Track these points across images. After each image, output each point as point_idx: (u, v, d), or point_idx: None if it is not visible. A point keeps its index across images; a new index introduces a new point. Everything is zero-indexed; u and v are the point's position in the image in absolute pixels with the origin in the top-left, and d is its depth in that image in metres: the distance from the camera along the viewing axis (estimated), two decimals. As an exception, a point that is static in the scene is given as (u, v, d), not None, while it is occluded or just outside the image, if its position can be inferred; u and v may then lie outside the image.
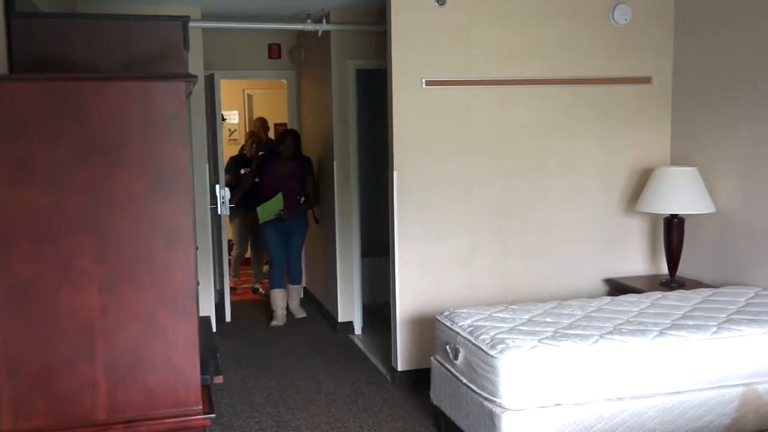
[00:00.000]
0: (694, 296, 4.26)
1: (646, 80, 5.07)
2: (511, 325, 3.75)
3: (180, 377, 2.14)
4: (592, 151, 5.06)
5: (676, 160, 5.08)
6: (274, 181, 6.37)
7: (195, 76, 2.19)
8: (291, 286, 6.81)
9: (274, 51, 7.24)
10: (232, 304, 6.89)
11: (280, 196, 6.28)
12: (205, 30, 5.83)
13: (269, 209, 6.32)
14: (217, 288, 6.87)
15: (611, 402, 3.46)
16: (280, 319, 6.62)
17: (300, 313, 6.84)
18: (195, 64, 5.44)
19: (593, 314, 3.96)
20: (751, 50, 4.45)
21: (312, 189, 6.48)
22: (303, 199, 6.43)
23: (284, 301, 6.67)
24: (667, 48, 5.08)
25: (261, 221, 6.42)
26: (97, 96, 2.04)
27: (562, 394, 3.42)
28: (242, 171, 7.31)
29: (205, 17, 5.84)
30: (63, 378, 2.06)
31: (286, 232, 6.56)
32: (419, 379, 4.72)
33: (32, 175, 2.00)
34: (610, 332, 3.63)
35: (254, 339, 6.14)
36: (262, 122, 8.18)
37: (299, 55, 7.13)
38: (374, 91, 5.96)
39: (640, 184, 5.01)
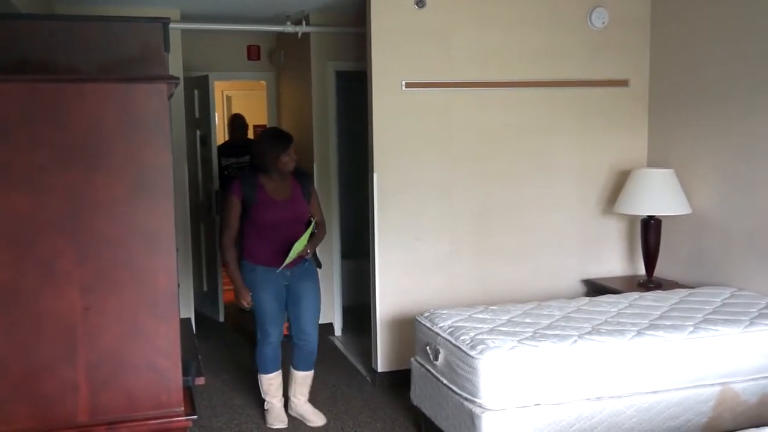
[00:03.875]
0: (671, 296, 4.32)
1: (624, 83, 5.13)
2: (490, 326, 3.77)
3: (162, 379, 2.14)
4: (570, 153, 5.11)
5: (653, 162, 5.15)
6: (275, 212, 4.19)
7: (177, 78, 2.19)
8: (298, 374, 4.42)
9: (253, 53, 7.22)
10: (226, 304, 6.85)
11: (314, 225, 4.29)
12: (184, 32, 5.82)
13: (301, 245, 4.16)
14: (205, 289, 6.86)
15: (590, 401, 3.50)
16: (278, 416, 4.42)
17: (317, 419, 4.41)
18: (174, 65, 5.42)
19: (572, 315, 4.00)
20: (725, 54, 4.52)
21: (320, 213, 4.45)
22: (314, 227, 4.32)
23: (281, 389, 4.45)
24: (644, 51, 5.14)
25: (285, 262, 4.15)
26: (78, 98, 2.03)
27: (541, 393, 3.45)
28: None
29: (185, 19, 5.83)
30: (45, 381, 2.05)
31: (285, 286, 4.30)
32: (399, 380, 4.73)
33: (13, 178, 1.99)
34: (588, 332, 3.66)
35: (238, 341, 6.12)
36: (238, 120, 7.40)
37: (278, 56, 7.12)
38: (354, 94, 5.97)
39: (618, 185, 5.07)
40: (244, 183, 4.20)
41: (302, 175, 4.36)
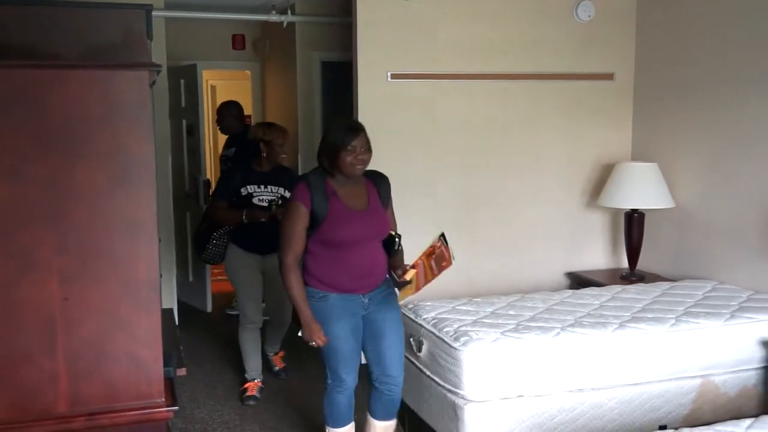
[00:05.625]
0: (654, 289, 4.34)
1: (609, 76, 5.14)
2: (474, 318, 3.78)
3: (143, 370, 2.13)
4: (555, 146, 5.12)
5: (637, 156, 5.16)
6: (353, 227, 3.26)
7: (159, 65, 2.17)
8: (377, 424, 3.52)
9: (238, 42, 7.18)
10: (214, 295, 6.80)
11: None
12: (168, 19, 5.76)
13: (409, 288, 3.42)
14: (190, 279, 6.82)
15: (572, 393, 3.51)
16: None
17: None
18: (158, 53, 5.37)
19: (555, 307, 4.01)
20: (710, 48, 4.54)
21: (396, 226, 3.56)
22: (399, 244, 3.45)
23: None
24: (630, 45, 5.15)
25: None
26: (59, 84, 2.01)
27: (524, 385, 3.45)
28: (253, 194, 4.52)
29: (169, 6, 5.76)
30: (24, 371, 2.03)
31: (361, 319, 3.38)
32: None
33: (-9, 165, 1.96)
34: (571, 325, 3.68)
35: (221, 332, 6.09)
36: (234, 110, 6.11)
37: (263, 46, 7.08)
38: (340, 84, 5.94)
39: (602, 179, 5.09)
40: (313, 188, 3.22)
41: (377, 178, 3.44)
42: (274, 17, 5.75)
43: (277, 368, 5.05)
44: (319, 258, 3.28)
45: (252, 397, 4.60)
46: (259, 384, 4.68)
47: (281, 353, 5.11)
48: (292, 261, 3.24)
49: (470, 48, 4.87)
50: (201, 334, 5.99)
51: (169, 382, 2.25)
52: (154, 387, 2.14)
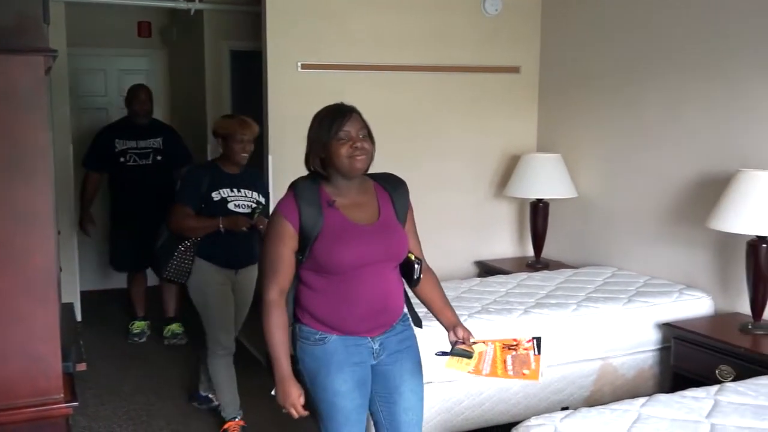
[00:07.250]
0: (557, 276, 4.49)
1: (515, 69, 5.26)
2: (384, 307, 3.80)
3: (39, 365, 2.05)
4: (463, 137, 5.21)
5: (542, 147, 5.31)
6: (358, 247, 2.47)
7: (55, 51, 2.10)
8: None
9: (144, 29, 6.97)
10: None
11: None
12: (68, 4, 5.55)
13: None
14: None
15: (478, 378, 3.59)
16: None
17: None
18: (57, 40, 5.17)
19: (463, 295, 4.10)
20: (611, 44, 4.71)
21: (419, 244, 2.83)
22: (419, 272, 2.67)
23: None
24: (535, 39, 5.29)
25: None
26: (-56, 69, 1.91)
27: (432, 372, 3.50)
28: (217, 194, 3.77)
29: (69, -10, 5.56)
30: None
31: (370, 369, 2.59)
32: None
33: None
34: (478, 311, 3.76)
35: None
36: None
37: (170, 34, 6.92)
38: (249, 74, 5.87)
39: (509, 169, 5.21)
40: (302, 197, 2.48)
41: (392, 182, 2.72)
42: (181, 4, 5.62)
43: None
44: (316, 291, 2.49)
45: None
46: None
47: (240, 422, 3.98)
48: (276, 296, 2.46)
49: (380, 39, 4.90)
50: (108, 332, 5.80)
51: (69, 378, 2.18)
52: (52, 383, 2.07)
